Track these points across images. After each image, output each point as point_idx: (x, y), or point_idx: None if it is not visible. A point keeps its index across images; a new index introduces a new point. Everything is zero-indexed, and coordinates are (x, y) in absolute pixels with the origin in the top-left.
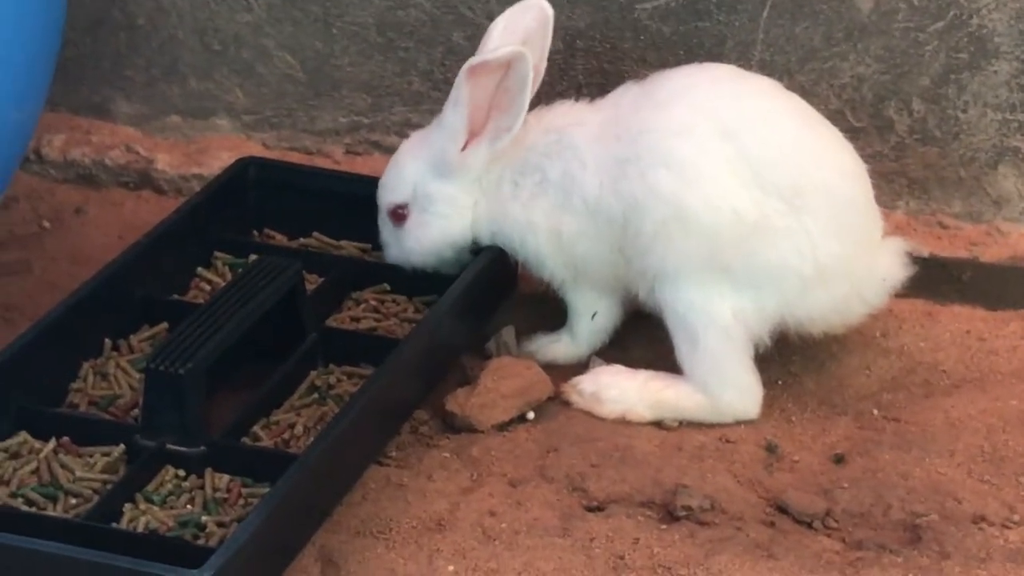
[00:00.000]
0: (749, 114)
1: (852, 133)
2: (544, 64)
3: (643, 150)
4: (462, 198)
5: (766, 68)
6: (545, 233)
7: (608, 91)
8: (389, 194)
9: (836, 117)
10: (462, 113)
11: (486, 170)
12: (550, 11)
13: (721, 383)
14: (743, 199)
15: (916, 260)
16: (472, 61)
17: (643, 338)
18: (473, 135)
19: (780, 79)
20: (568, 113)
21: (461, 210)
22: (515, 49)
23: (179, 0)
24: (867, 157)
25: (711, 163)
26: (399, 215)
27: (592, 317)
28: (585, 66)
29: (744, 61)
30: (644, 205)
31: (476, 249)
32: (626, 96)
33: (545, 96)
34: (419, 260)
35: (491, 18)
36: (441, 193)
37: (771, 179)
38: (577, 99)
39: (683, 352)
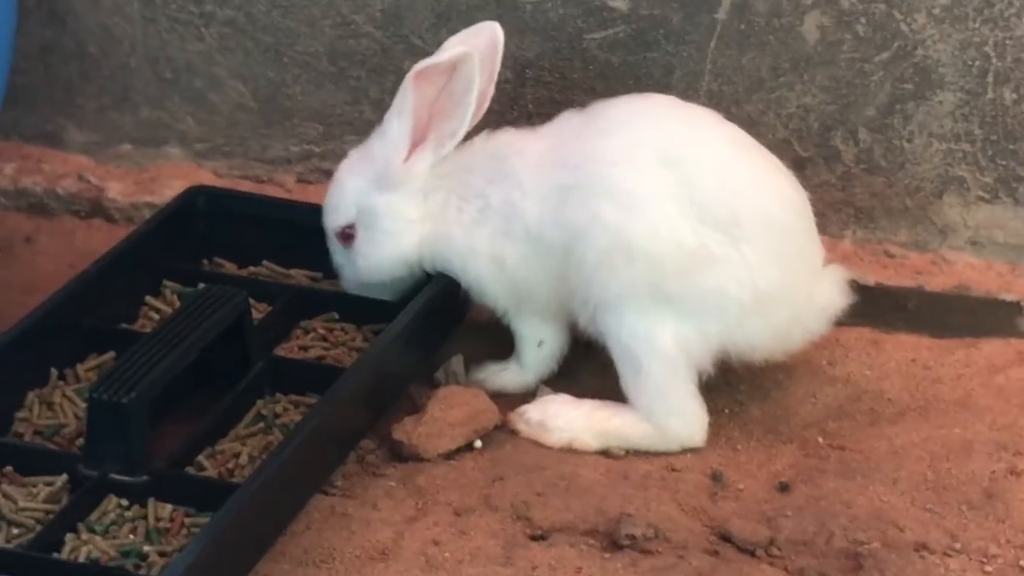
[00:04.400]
0: (688, 144)
1: (799, 163)
2: (492, 88)
3: (585, 179)
4: (409, 210)
5: (714, 98)
6: (487, 259)
7: None
8: (334, 217)
9: (783, 147)
10: (407, 122)
11: (432, 192)
12: (501, 35)
13: (666, 411)
14: (683, 228)
15: (862, 289)
16: (419, 66)
17: (593, 367)
18: (415, 144)
19: (727, 109)
20: (511, 141)
21: (408, 224)
22: (461, 50)
23: (131, 29)
24: (814, 187)
25: (652, 192)
26: (347, 235)
27: (539, 345)
28: (535, 95)
29: (692, 91)
30: (587, 234)
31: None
32: (568, 124)
33: (494, 124)
34: (373, 278)
35: (441, 47)
36: (386, 206)
37: (710, 209)
38: (527, 126)
39: (627, 380)
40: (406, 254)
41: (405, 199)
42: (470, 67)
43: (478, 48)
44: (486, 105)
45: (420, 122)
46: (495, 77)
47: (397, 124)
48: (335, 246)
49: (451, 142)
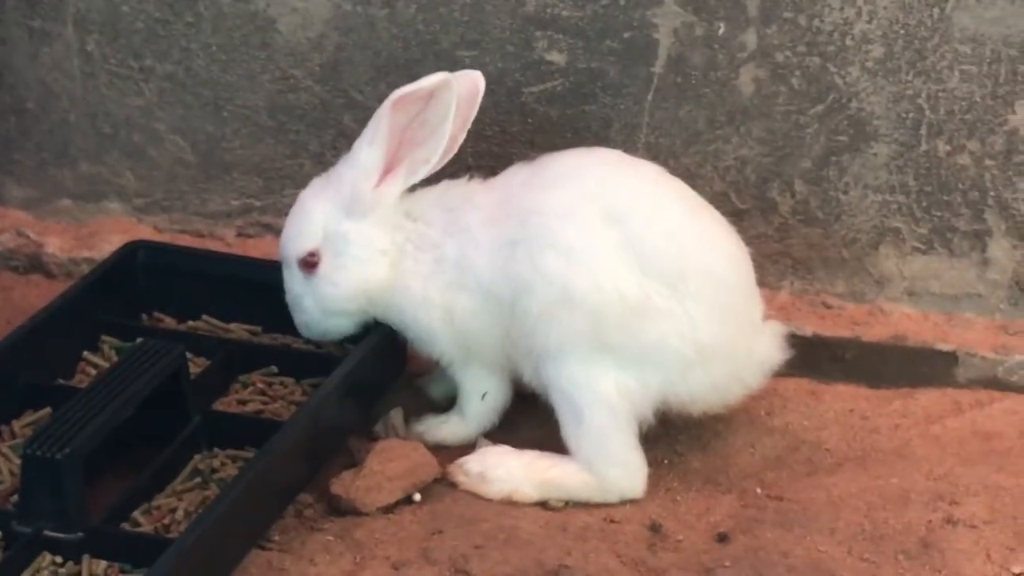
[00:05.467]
0: (634, 199)
1: (736, 215)
2: (463, 135)
3: (531, 232)
4: (378, 239)
5: (652, 150)
6: (439, 310)
7: (497, 173)
8: (297, 243)
9: (721, 199)
10: (380, 149)
11: (395, 230)
12: (482, 84)
13: (606, 460)
14: (627, 282)
15: (800, 340)
16: (398, 92)
17: (533, 419)
18: (386, 171)
19: (665, 161)
20: (466, 193)
21: (376, 253)
22: (442, 76)
23: (69, 84)
24: (751, 238)
25: (596, 246)
26: (310, 263)
27: (482, 397)
28: (475, 148)
29: (630, 144)
30: (532, 286)
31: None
32: (516, 177)
33: (433, 178)
34: (336, 307)
35: (381, 100)
36: (356, 233)
37: (654, 263)
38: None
39: (568, 429)
40: (372, 284)
41: (375, 227)
42: (448, 95)
43: (460, 86)
44: (455, 149)
45: (391, 149)
46: (468, 124)
47: (369, 151)
48: (295, 275)
49: (423, 170)
